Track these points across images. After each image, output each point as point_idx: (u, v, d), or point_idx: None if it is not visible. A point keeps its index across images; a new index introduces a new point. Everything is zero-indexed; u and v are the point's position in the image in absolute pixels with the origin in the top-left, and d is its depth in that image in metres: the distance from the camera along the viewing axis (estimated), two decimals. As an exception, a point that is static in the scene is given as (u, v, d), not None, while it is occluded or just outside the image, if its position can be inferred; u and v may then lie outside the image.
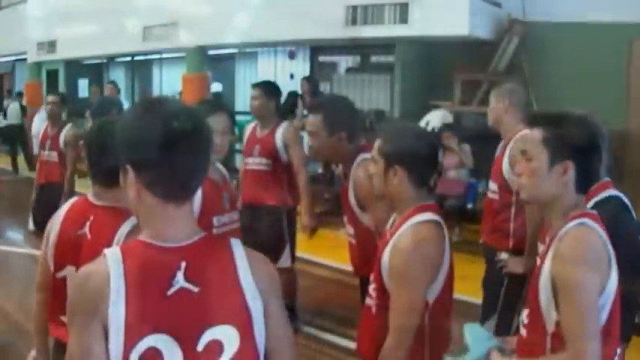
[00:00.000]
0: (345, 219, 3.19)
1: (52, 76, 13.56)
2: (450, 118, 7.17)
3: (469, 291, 4.78)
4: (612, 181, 2.76)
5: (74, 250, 2.23)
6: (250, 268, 1.42)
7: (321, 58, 10.42)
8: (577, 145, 1.89)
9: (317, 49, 10.23)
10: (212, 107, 3.16)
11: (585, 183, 1.94)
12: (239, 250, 1.45)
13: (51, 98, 6.24)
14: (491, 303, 3.76)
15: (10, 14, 14.50)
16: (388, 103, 8.72)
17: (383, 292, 2.28)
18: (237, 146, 9.15)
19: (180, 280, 1.36)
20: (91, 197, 2.33)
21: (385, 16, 7.51)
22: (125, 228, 2.20)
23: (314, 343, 4.83)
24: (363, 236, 3.05)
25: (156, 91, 12.97)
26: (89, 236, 2.23)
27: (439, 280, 2.23)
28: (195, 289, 1.36)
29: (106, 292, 1.31)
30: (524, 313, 1.98)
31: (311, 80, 9.09)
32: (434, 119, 7.11)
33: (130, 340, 1.30)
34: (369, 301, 2.40)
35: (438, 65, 8.34)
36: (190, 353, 1.34)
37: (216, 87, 10.68)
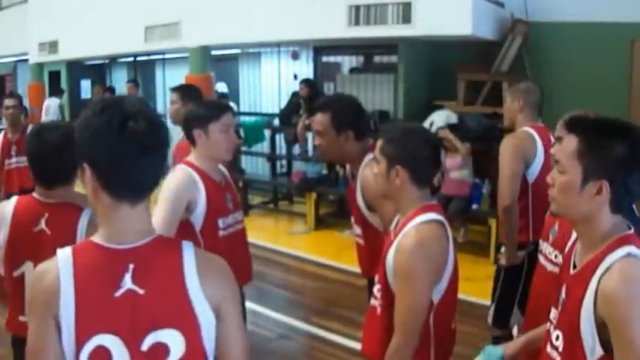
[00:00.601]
0: (353, 219, 3.17)
1: (54, 77, 13.51)
2: (454, 119, 7.16)
3: (474, 291, 4.80)
4: None
5: (32, 246, 2.31)
6: (198, 274, 1.43)
7: (325, 59, 10.38)
8: (617, 163, 1.66)
9: (320, 49, 10.20)
10: (219, 107, 3.15)
11: (623, 203, 1.72)
12: (189, 255, 1.45)
13: (10, 102, 5.78)
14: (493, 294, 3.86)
15: (11, 14, 14.45)
16: (392, 103, 8.69)
17: (388, 293, 2.28)
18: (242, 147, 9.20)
19: (127, 282, 1.39)
20: (37, 196, 2.43)
21: (388, 16, 7.48)
22: (84, 220, 2.35)
23: (321, 345, 4.83)
24: (370, 237, 3.03)
25: (159, 92, 12.94)
26: (49, 232, 2.34)
27: (444, 280, 2.22)
28: (141, 292, 1.39)
29: (57, 292, 1.36)
30: (554, 335, 1.82)
31: (311, 83, 8.91)
32: (438, 119, 7.11)
33: (80, 338, 1.35)
34: (373, 301, 2.39)
35: (442, 65, 8.30)
36: (136, 354, 1.37)
37: (221, 87, 10.67)
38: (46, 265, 1.43)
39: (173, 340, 1.39)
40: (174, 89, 4.44)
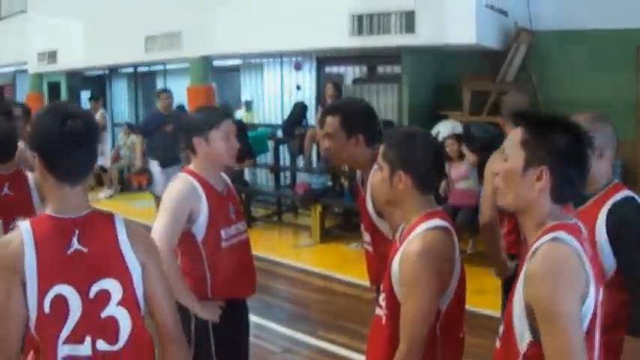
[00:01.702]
0: (362, 226, 3.10)
1: (54, 87, 13.45)
2: (460, 129, 7.10)
3: (484, 304, 4.69)
4: (622, 183, 2.66)
5: (2, 208, 3.11)
6: (128, 237, 1.89)
7: (328, 69, 10.31)
8: (556, 151, 1.73)
9: (323, 60, 10.15)
10: (219, 114, 3.08)
11: (562, 194, 1.78)
12: (120, 225, 1.90)
13: (16, 111, 5.48)
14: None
15: (10, 24, 14.42)
16: (396, 113, 8.63)
17: (393, 301, 2.24)
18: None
19: (75, 243, 1.81)
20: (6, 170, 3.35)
21: (391, 25, 7.47)
22: (32, 179, 3.35)
23: (327, 359, 4.77)
24: (380, 243, 2.95)
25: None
26: (12, 194, 3.30)
27: (451, 287, 2.19)
28: (86, 250, 1.82)
29: (22, 253, 1.76)
30: (501, 328, 1.86)
31: (338, 84, 8.70)
32: (444, 129, 7.03)
33: (42, 288, 1.75)
34: (378, 311, 2.35)
35: (446, 75, 8.28)
36: (86, 299, 1.80)
37: (246, 97, 10.78)
38: (10, 235, 1.84)
39: (112, 286, 1.83)
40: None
